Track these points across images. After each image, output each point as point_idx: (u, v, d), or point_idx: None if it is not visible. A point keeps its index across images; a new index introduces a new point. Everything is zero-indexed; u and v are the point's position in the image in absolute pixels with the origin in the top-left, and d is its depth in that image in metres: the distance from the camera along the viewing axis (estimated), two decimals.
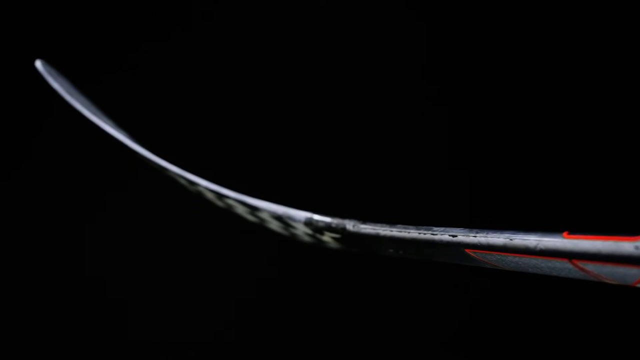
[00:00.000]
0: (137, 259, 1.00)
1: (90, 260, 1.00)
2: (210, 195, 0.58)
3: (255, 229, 0.61)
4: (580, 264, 0.33)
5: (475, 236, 0.38)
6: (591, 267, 0.33)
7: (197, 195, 0.60)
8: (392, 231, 0.44)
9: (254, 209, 0.55)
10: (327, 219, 0.50)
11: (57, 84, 0.62)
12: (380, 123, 1.01)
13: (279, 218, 0.54)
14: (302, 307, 1.00)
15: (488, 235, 0.38)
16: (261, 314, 1.00)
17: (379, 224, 0.46)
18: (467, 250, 0.39)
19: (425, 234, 0.42)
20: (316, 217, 0.50)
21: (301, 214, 0.51)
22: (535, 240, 0.35)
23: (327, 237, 0.51)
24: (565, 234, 0.34)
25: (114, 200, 1.01)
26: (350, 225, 0.48)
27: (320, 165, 1.01)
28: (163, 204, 0.98)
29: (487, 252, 0.38)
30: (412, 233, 0.43)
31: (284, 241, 0.65)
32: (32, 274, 1.00)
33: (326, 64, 1.01)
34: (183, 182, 0.58)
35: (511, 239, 0.36)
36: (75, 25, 1.00)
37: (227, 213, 0.60)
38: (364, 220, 0.49)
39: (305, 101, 1.01)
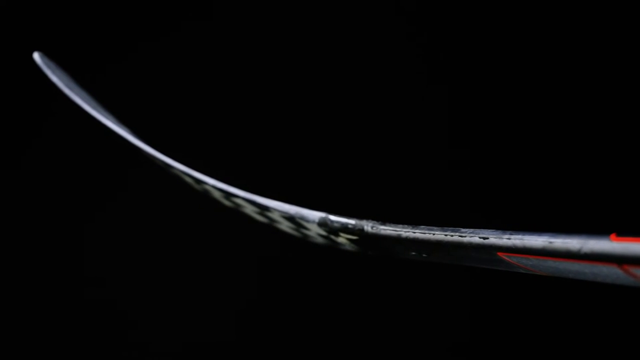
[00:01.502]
0: (141, 258, 0.98)
1: (91, 260, 0.99)
2: (217, 194, 0.55)
3: (264, 229, 0.58)
4: (633, 269, 0.30)
5: (509, 238, 0.35)
6: None
7: (203, 194, 0.57)
8: (415, 232, 0.41)
9: (263, 209, 0.52)
10: (344, 220, 0.46)
11: (55, 77, 0.59)
12: (388, 122, 0.99)
13: (290, 218, 0.51)
14: (306, 307, 0.98)
15: (524, 238, 0.35)
16: (265, 314, 0.98)
17: (400, 225, 0.43)
18: (499, 254, 0.36)
19: (452, 235, 0.39)
20: (332, 217, 0.47)
21: (315, 214, 0.48)
22: (579, 243, 0.32)
23: (342, 239, 0.48)
24: (613, 236, 0.31)
25: (116, 199, 0.99)
26: (368, 226, 0.45)
27: (325, 165, 0.99)
28: (167, 203, 0.96)
29: (523, 255, 0.35)
30: (438, 235, 0.40)
31: (291, 242, 0.63)
32: (32, 273, 0.98)
33: (338, 62, 0.99)
34: (189, 180, 0.56)
35: (551, 242, 0.33)
36: (75, 18, 0.97)
37: (234, 213, 0.57)
38: (382, 220, 0.46)
39: (307, 102, 0.99)
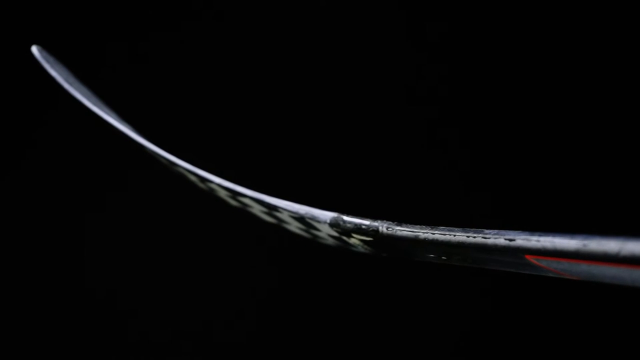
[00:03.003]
0: (143, 258, 0.97)
1: (93, 260, 0.97)
2: (223, 193, 0.53)
3: (271, 230, 0.56)
4: None
5: (538, 240, 0.33)
6: None
7: (208, 193, 0.55)
8: (434, 234, 0.39)
9: (272, 209, 0.50)
10: (357, 220, 0.44)
11: (54, 72, 0.57)
12: (397, 122, 0.98)
13: (300, 219, 0.48)
14: (308, 308, 0.97)
15: (555, 240, 0.32)
16: (270, 315, 0.98)
17: (418, 226, 0.41)
18: (527, 257, 0.34)
19: (475, 237, 0.37)
20: (345, 217, 0.45)
21: (326, 215, 0.46)
22: (617, 245, 0.29)
23: (354, 240, 0.46)
24: None
25: (118, 198, 0.97)
26: (383, 227, 0.43)
27: (332, 164, 0.98)
28: (171, 202, 0.95)
29: (554, 259, 0.32)
30: (459, 236, 0.38)
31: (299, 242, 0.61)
32: (32, 274, 0.97)
33: (351, 60, 0.98)
34: (193, 178, 0.53)
35: (585, 244, 0.31)
36: (75, 11, 0.96)
37: (241, 213, 0.55)
38: (397, 221, 0.44)
39: (317, 102, 0.98)
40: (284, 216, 0.50)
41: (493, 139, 0.96)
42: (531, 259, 0.34)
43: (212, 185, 0.52)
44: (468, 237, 0.37)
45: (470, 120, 0.96)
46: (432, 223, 0.41)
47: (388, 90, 0.98)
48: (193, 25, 0.98)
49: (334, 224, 0.46)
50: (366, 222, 0.44)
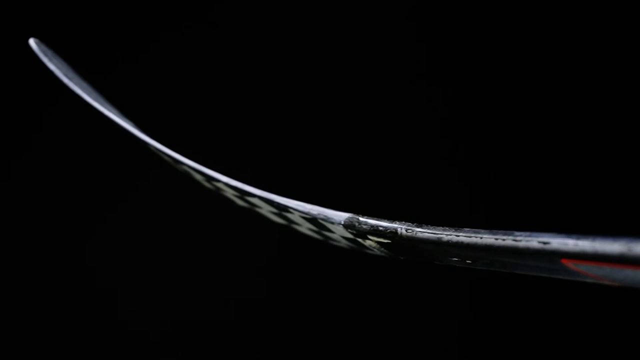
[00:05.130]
0: (147, 259, 0.95)
1: (96, 260, 0.96)
2: (230, 193, 0.51)
3: (283, 231, 0.54)
4: None
5: (576, 244, 0.31)
6: None
7: (215, 192, 0.53)
8: (458, 236, 0.37)
9: (282, 209, 0.47)
10: (374, 221, 0.42)
11: (53, 66, 0.54)
12: (404, 122, 0.96)
13: (312, 220, 0.46)
14: (311, 308, 0.96)
15: (595, 243, 0.30)
16: (268, 316, 0.96)
17: (440, 227, 0.38)
18: (564, 262, 0.31)
19: (504, 239, 0.34)
20: (361, 218, 0.42)
21: (341, 215, 0.43)
22: None
23: (370, 242, 0.44)
24: None
25: (118, 197, 0.96)
26: (403, 228, 0.40)
27: (340, 164, 0.96)
28: (175, 201, 0.93)
29: (594, 263, 0.30)
30: (486, 239, 0.35)
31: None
32: (33, 277, 0.96)
33: (358, 58, 0.97)
34: (199, 177, 0.51)
35: (630, 248, 0.28)
36: (75, 4, 0.94)
37: (249, 213, 0.53)
38: (418, 222, 0.41)
39: (324, 100, 0.97)
40: (294, 217, 0.48)
41: (512, 140, 0.94)
42: (568, 263, 0.31)
43: (219, 185, 0.50)
44: (497, 239, 0.34)
45: (487, 121, 0.95)
46: (450, 225, 0.39)
47: (397, 90, 0.96)
48: (197, 20, 0.97)
49: (348, 226, 0.43)
50: (384, 223, 0.41)
